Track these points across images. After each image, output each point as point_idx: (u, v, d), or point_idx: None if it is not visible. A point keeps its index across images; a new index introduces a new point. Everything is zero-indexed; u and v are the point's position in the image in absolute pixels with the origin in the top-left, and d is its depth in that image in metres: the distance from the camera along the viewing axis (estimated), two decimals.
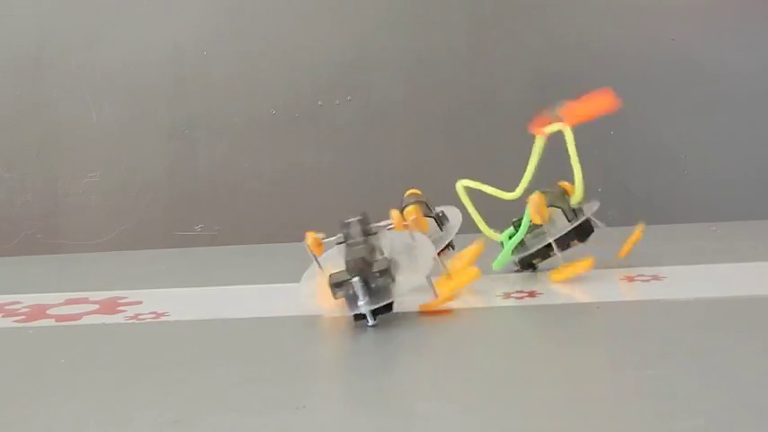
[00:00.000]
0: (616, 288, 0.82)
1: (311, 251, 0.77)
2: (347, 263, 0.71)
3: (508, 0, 1.42)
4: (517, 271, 0.91)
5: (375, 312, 0.71)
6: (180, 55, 1.44)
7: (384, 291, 0.71)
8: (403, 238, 0.78)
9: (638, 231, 0.90)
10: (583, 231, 0.86)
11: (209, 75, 1.44)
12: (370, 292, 0.70)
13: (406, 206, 0.83)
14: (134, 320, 0.80)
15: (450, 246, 0.88)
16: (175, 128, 1.45)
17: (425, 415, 0.50)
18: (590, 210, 0.87)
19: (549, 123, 0.87)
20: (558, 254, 0.85)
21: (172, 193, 1.45)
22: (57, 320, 0.83)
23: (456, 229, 0.88)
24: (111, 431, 0.50)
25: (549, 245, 0.85)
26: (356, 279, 0.70)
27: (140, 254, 1.37)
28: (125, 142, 1.45)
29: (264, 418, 0.50)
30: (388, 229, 0.79)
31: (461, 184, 0.90)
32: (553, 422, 0.47)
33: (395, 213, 0.79)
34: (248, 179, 1.44)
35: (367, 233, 0.76)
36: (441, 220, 0.89)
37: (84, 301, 0.91)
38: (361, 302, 0.70)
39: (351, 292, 0.71)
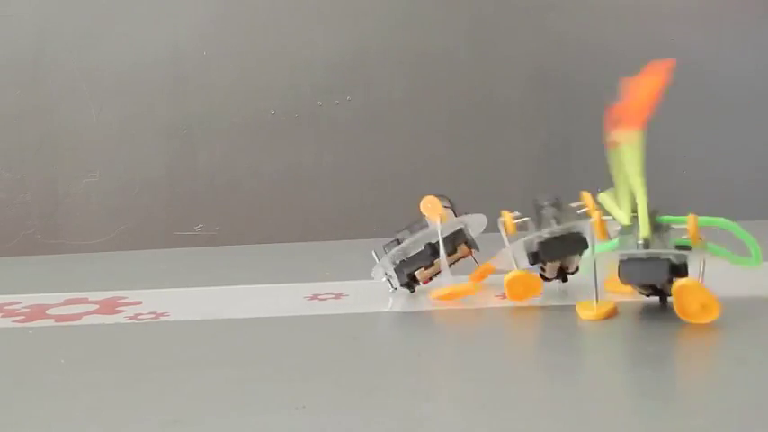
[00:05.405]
0: None
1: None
2: None
3: (508, 0, 1.42)
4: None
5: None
6: (180, 55, 1.44)
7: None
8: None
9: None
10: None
11: (208, 75, 1.44)
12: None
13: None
14: (134, 320, 0.80)
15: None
16: (175, 128, 1.45)
17: (425, 415, 0.50)
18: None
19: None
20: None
21: (171, 192, 1.45)
22: (56, 320, 0.83)
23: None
24: (111, 431, 0.50)
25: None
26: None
27: (140, 254, 1.38)
28: (125, 142, 1.45)
29: (264, 418, 0.50)
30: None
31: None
32: (553, 422, 0.47)
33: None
34: (248, 179, 1.44)
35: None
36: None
37: (84, 301, 0.91)
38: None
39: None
